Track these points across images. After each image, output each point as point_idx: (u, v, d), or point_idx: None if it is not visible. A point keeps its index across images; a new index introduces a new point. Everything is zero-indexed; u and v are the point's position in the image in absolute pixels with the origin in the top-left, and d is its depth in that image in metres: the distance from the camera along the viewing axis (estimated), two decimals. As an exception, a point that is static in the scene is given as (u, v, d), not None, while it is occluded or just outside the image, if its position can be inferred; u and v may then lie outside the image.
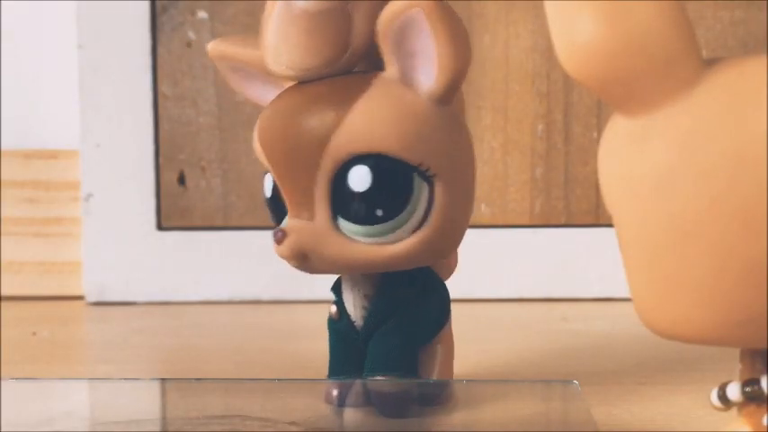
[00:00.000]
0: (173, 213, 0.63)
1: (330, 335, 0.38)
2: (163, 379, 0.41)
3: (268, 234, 0.36)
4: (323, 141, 0.34)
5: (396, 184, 0.34)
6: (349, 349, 0.37)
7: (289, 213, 0.35)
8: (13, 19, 0.65)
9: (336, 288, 0.37)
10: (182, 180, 0.63)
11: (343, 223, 0.34)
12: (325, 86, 0.35)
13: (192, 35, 0.62)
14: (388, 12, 0.34)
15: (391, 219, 0.34)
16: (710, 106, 0.22)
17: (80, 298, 0.64)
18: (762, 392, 0.24)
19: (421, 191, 0.34)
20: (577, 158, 0.62)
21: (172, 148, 0.63)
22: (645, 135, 0.22)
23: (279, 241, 0.34)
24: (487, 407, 0.36)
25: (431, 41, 0.34)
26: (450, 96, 0.35)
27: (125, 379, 0.40)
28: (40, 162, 0.65)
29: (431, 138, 0.34)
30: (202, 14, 0.62)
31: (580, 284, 0.62)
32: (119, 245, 0.63)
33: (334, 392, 0.36)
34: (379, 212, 0.34)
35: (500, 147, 0.62)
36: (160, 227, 0.63)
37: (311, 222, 0.34)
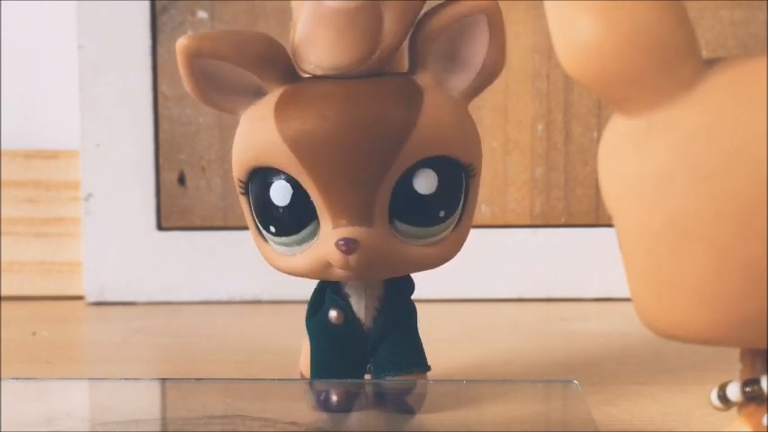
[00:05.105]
0: (173, 213, 0.63)
1: (321, 341, 0.37)
2: (163, 379, 0.41)
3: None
4: (399, 145, 0.34)
5: (455, 185, 0.35)
6: (346, 354, 0.37)
7: (336, 221, 0.34)
8: (13, 19, 0.65)
9: (336, 292, 0.37)
10: (182, 180, 0.63)
11: (400, 226, 0.35)
12: (374, 87, 0.34)
13: (191, 35, 0.62)
14: (449, 14, 0.35)
15: (448, 219, 0.35)
16: (710, 106, 0.22)
17: (80, 298, 0.64)
18: (762, 392, 0.24)
19: (467, 190, 0.35)
20: (577, 158, 0.62)
21: (172, 148, 0.63)
22: (645, 135, 0.22)
23: (351, 251, 0.33)
24: (487, 407, 0.36)
25: (482, 49, 0.35)
26: (474, 97, 0.36)
27: (125, 379, 0.40)
28: (40, 162, 0.65)
29: (474, 138, 0.36)
30: (202, 14, 0.62)
31: (580, 284, 0.62)
32: (119, 245, 0.63)
33: (335, 398, 0.36)
34: (441, 213, 0.35)
35: (500, 147, 0.62)
36: (160, 227, 0.63)
37: (371, 229, 0.34)
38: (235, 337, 0.54)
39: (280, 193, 0.34)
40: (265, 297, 0.62)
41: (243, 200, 0.36)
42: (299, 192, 0.34)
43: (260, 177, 0.35)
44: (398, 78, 0.35)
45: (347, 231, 0.34)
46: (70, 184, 0.64)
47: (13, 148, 0.65)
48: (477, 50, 0.35)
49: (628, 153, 0.23)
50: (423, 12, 0.35)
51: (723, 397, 0.25)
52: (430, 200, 0.35)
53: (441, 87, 0.35)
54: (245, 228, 0.56)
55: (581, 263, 0.62)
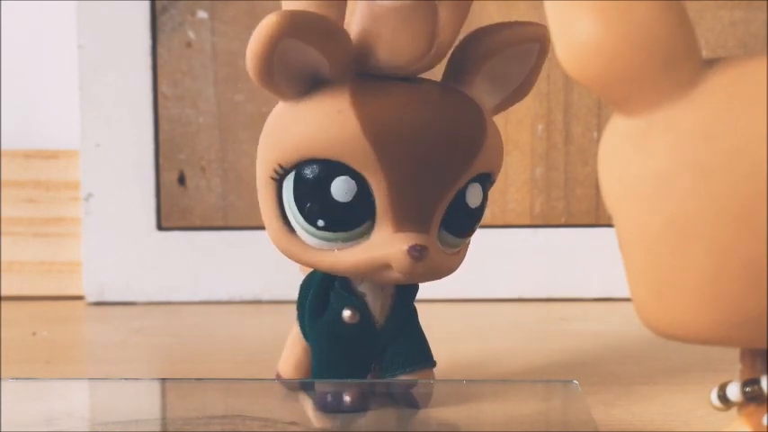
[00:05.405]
0: (173, 213, 0.63)
1: (325, 341, 0.37)
2: (163, 379, 0.41)
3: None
4: (473, 158, 0.34)
5: (486, 199, 0.36)
6: (352, 353, 0.36)
7: (399, 225, 0.33)
8: (13, 19, 0.65)
9: (348, 291, 0.36)
10: (182, 180, 0.63)
11: (444, 236, 0.35)
12: (448, 96, 0.34)
13: (191, 35, 0.62)
14: (509, 37, 0.35)
15: (475, 231, 0.36)
16: (710, 106, 0.22)
17: (80, 298, 0.64)
18: (762, 392, 0.24)
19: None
20: (577, 158, 0.62)
21: (172, 148, 0.63)
22: (645, 135, 0.22)
23: (420, 258, 0.33)
24: (487, 407, 0.36)
25: (523, 73, 0.36)
26: (495, 115, 0.37)
27: (125, 379, 0.40)
28: (40, 162, 0.65)
29: (502, 154, 0.36)
30: (202, 14, 0.62)
31: (580, 284, 0.62)
32: (119, 245, 0.63)
33: (348, 398, 0.35)
34: (477, 226, 0.36)
35: (500, 147, 0.62)
36: (160, 227, 0.63)
37: (429, 236, 0.34)
38: (235, 337, 0.54)
39: (343, 189, 0.33)
40: (265, 297, 0.62)
41: (270, 186, 0.34)
42: (363, 189, 0.33)
43: (316, 169, 0.33)
44: (458, 91, 0.35)
45: (417, 238, 0.33)
46: (70, 184, 0.64)
47: (13, 148, 0.65)
48: (519, 74, 0.36)
49: (628, 153, 0.23)
50: (474, 29, 0.36)
51: (723, 397, 0.25)
52: (475, 213, 0.35)
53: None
54: (245, 228, 0.55)
55: (581, 263, 0.62)
